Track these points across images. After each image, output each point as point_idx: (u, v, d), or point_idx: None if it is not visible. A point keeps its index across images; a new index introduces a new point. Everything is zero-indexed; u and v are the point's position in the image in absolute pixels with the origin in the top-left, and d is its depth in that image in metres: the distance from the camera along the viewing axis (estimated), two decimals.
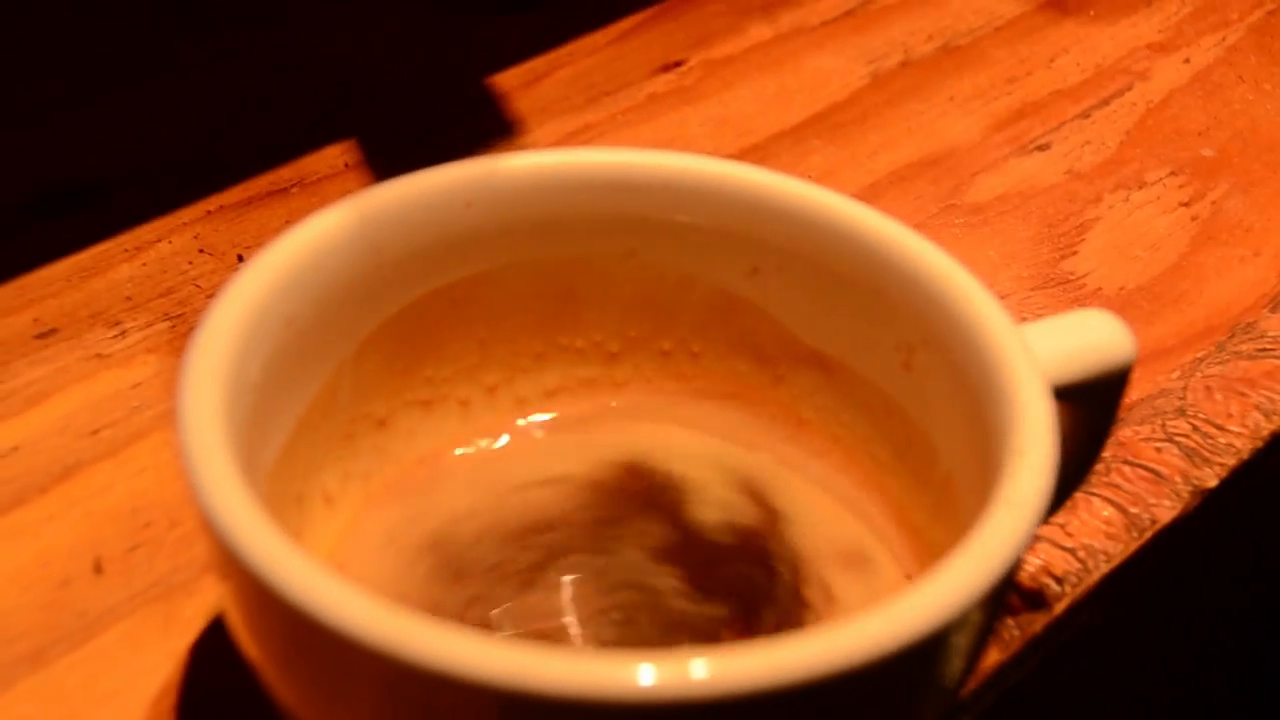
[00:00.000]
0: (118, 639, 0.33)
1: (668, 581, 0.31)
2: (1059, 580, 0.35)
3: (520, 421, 0.35)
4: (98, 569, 0.34)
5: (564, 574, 0.31)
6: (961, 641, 0.24)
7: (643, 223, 0.33)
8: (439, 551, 0.31)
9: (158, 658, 0.32)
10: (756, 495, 0.33)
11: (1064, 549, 0.36)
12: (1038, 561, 0.35)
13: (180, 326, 0.40)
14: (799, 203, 0.32)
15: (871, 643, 0.22)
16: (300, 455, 0.31)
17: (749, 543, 0.32)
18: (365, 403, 0.33)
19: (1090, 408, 0.31)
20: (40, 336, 0.40)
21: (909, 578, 0.31)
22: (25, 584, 0.33)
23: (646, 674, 0.21)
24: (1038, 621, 0.34)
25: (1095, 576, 0.35)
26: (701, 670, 0.21)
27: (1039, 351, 0.29)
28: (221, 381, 0.27)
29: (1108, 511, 0.37)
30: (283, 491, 0.30)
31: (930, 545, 0.31)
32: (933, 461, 0.31)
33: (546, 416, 0.35)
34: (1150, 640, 0.53)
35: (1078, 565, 0.35)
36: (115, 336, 0.40)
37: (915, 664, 0.23)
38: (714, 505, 0.33)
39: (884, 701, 0.24)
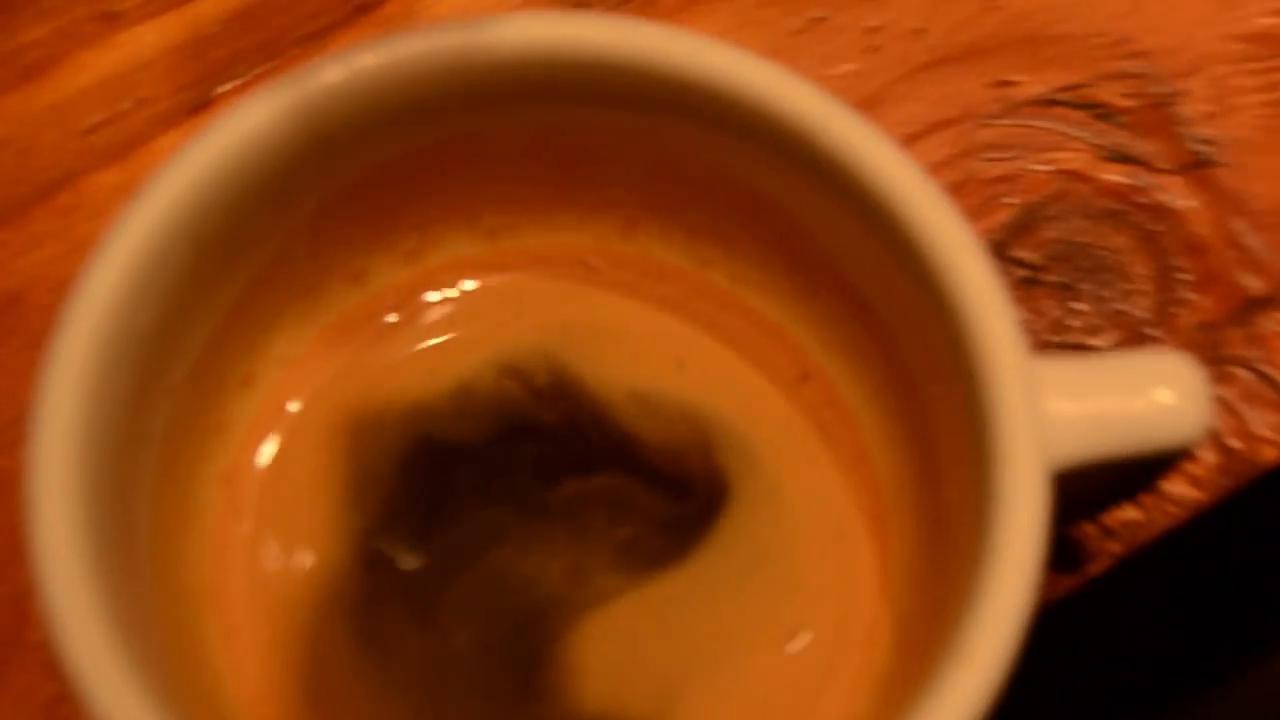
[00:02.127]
0: None
1: None
2: (1108, 532, 0.31)
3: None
4: None
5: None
6: None
7: (659, 107, 0.27)
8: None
9: None
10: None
11: None
12: None
13: None
14: (837, 151, 0.25)
15: None
16: (233, 340, 0.28)
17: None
18: (328, 261, 0.30)
19: (1126, 475, 0.26)
20: None
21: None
22: None
23: None
24: (1061, 584, 0.30)
25: (1155, 531, 0.31)
26: None
27: (1067, 406, 0.24)
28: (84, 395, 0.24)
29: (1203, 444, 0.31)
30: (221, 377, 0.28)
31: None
32: (939, 479, 0.27)
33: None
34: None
35: (1139, 515, 0.31)
36: None
37: None
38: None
39: None
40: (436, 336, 0.30)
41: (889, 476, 0.29)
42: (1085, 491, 0.27)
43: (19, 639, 0.30)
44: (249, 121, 0.25)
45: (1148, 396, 0.24)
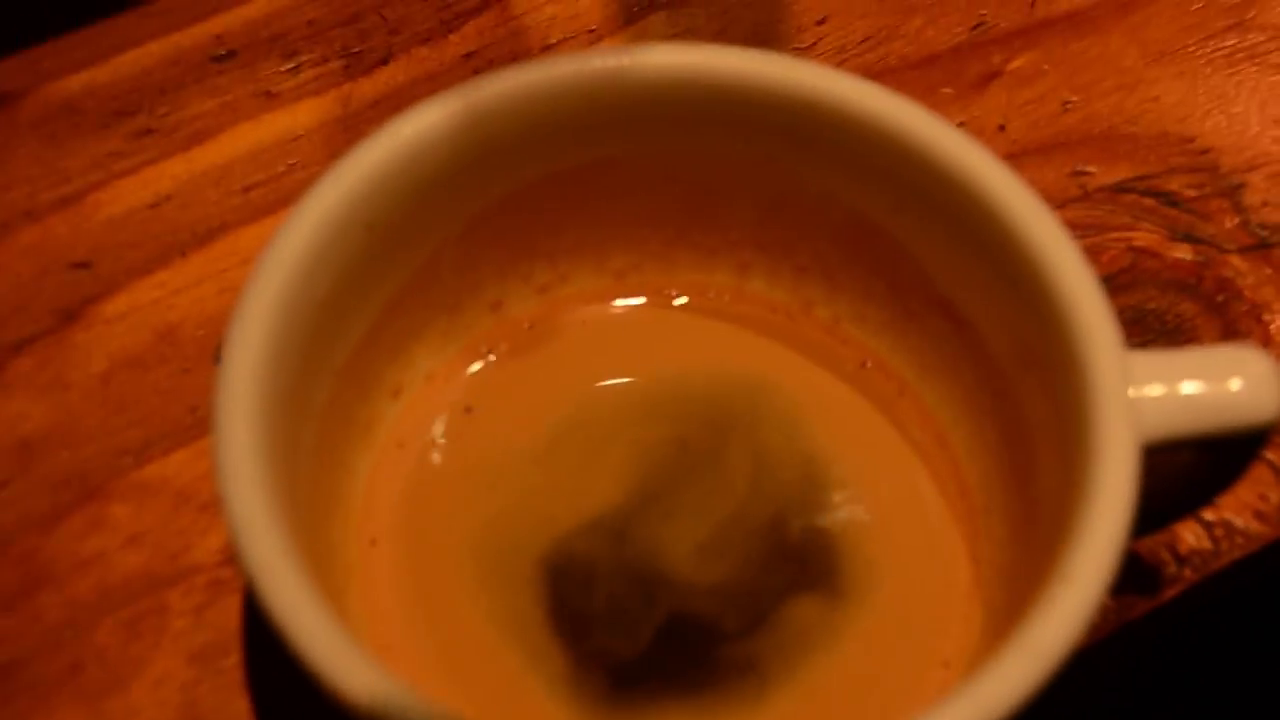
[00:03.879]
0: None
1: None
2: (1180, 559, 0.33)
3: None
4: (218, 358, 0.34)
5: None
6: None
7: (781, 134, 0.30)
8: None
9: None
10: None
11: (1200, 521, 0.33)
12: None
13: (354, 68, 0.39)
14: (944, 160, 0.28)
15: None
16: (388, 337, 0.31)
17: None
18: (473, 279, 0.32)
19: (1210, 457, 0.28)
20: (217, 60, 0.39)
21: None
22: (149, 365, 0.35)
23: None
24: (1138, 607, 0.32)
25: (1224, 561, 0.33)
26: None
27: (1157, 391, 0.26)
28: (271, 340, 0.27)
29: (1267, 482, 0.33)
30: (365, 375, 0.31)
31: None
32: (1031, 472, 0.29)
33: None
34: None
35: (1209, 545, 0.33)
36: (289, 70, 0.39)
37: None
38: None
39: None
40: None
41: (978, 482, 0.31)
42: (1171, 485, 0.29)
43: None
44: (425, 121, 0.28)
45: (1226, 381, 0.27)
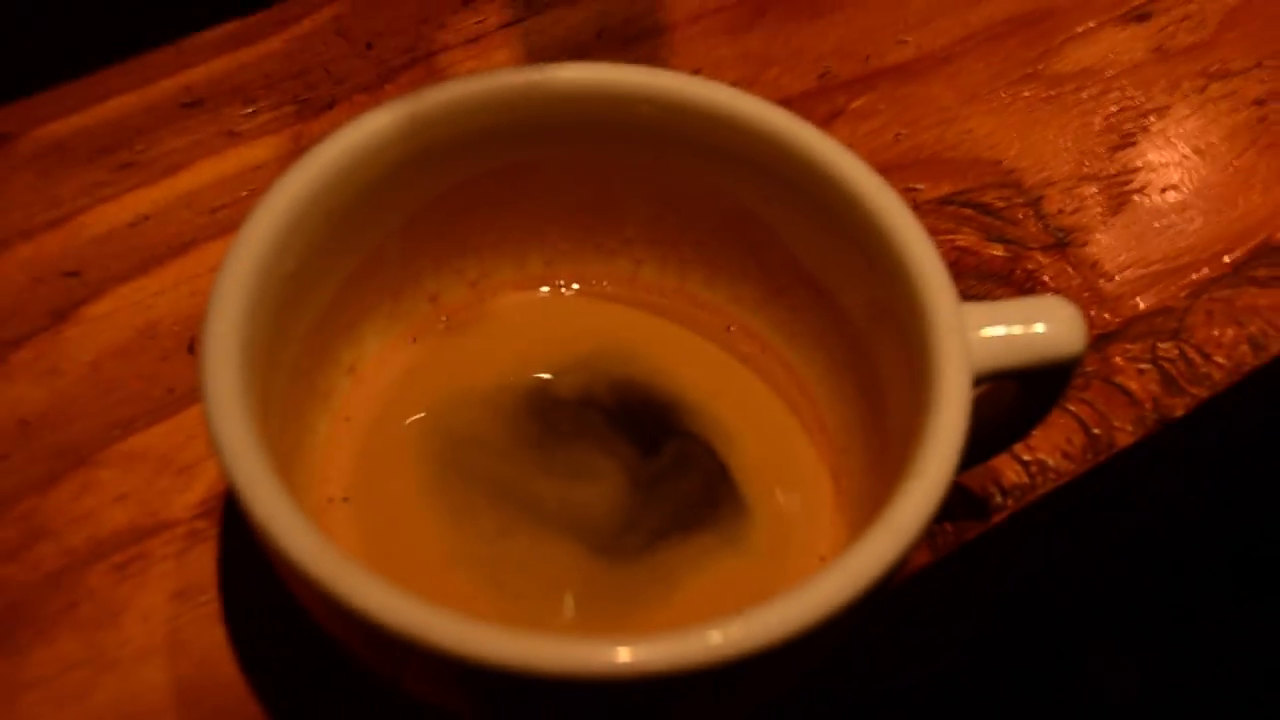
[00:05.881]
0: (196, 418, 0.34)
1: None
2: (1004, 491, 0.34)
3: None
4: (191, 349, 0.35)
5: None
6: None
7: (675, 138, 0.31)
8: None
9: None
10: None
11: (1019, 461, 0.34)
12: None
13: (305, 111, 0.40)
14: (809, 153, 0.30)
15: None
16: (343, 314, 0.31)
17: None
18: (414, 270, 0.33)
19: (1030, 390, 0.29)
20: (187, 106, 0.40)
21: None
22: (132, 354, 0.35)
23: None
24: (972, 530, 0.33)
25: (1039, 493, 0.34)
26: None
27: (987, 332, 0.27)
28: (248, 298, 0.27)
29: (1071, 429, 0.35)
30: (324, 346, 0.31)
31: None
32: (882, 412, 0.30)
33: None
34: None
35: (1026, 480, 0.34)
36: (249, 114, 0.40)
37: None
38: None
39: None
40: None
41: (838, 425, 0.32)
42: (997, 421, 0.30)
43: None
44: (374, 124, 0.29)
45: (1040, 323, 0.28)
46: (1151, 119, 0.42)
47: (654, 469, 0.31)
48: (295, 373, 0.30)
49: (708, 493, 0.31)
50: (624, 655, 0.22)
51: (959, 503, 0.33)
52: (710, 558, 0.30)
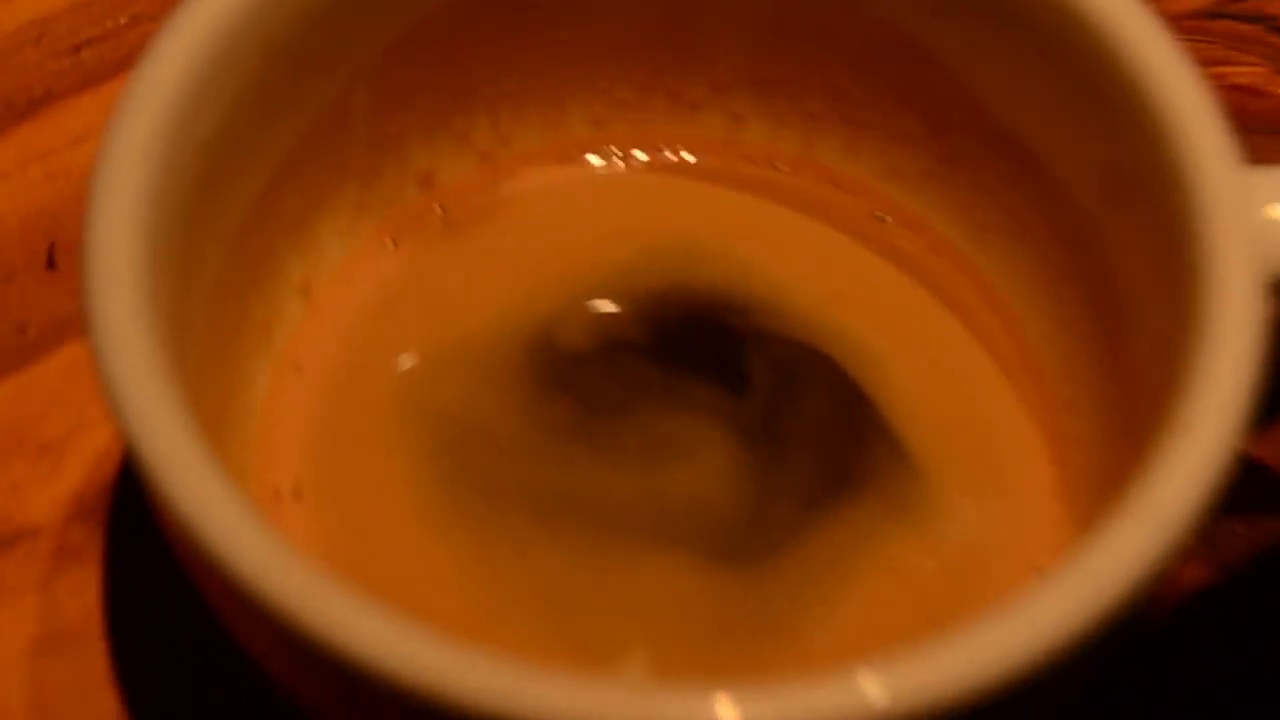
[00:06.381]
0: (64, 369, 0.26)
1: None
2: None
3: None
4: (51, 263, 0.27)
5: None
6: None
7: None
8: None
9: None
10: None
11: None
12: None
13: None
14: None
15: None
16: (289, 203, 0.23)
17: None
18: (394, 134, 0.25)
19: None
20: None
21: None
22: None
23: None
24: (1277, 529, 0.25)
25: None
26: None
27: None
28: (148, 179, 0.19)
29: None
30: (261, 252, 0.23)
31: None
32: (1124, 345, 0.22)
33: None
34: None
35: None
36: None
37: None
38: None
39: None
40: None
41: (1057, 371, 0.24)
42: None
43: None
44: None
45: None
46: None
47: (757, 402, 0.24)
48: (219, 292, 0.22)
49: (842, 416, 0.24)
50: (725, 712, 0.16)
51: (1253, 485, 0.25)
52: (876, 540, 0.23)
